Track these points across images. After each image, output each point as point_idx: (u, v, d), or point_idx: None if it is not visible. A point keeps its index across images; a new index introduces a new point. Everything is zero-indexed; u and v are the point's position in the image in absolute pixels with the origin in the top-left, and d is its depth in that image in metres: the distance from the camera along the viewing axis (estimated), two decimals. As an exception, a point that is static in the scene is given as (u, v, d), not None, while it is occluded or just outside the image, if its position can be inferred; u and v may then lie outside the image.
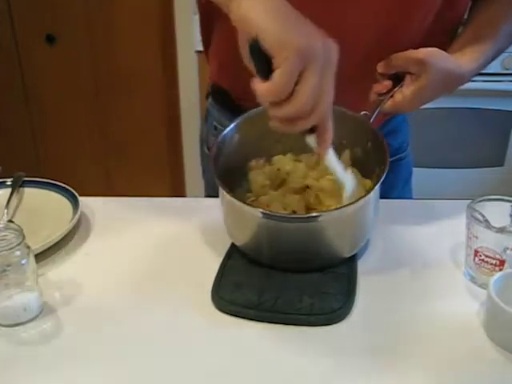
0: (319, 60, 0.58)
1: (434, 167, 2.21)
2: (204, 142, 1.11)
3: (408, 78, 0.80)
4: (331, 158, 0.71)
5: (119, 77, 2.21)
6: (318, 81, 0.58)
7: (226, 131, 0.82)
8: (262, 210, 0.72)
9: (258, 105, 0.83)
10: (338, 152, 0.82)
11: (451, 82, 0.82)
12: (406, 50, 0.80)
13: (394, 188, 1.05)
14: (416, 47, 0.79)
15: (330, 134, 0.65)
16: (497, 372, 0.63)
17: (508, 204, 0.76)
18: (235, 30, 0.63)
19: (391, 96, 0.81)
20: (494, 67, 1.98)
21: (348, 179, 0.74)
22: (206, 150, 1.09)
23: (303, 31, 0.59)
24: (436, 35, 0.86)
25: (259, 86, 0.59)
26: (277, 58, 0.57)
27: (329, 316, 0.68)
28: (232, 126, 0.82)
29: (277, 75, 0.57)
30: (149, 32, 2.13)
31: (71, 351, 0.65)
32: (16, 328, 0.68)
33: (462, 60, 0.82)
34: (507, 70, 2.03)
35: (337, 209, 0.73)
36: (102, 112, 2.29)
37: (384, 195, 0.79)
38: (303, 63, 0.57)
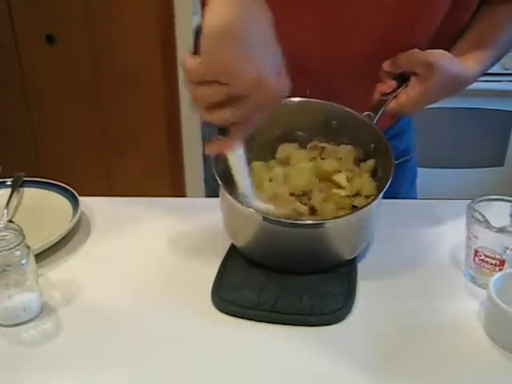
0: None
1: (434, 167, 2.21)
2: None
3: (413, 79, 0.80)
4: (237, 161, 0.69)
5: (119, 77, 2.21)
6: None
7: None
8: (262, 214, 0.71)
9: None
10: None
11: (456, 85, 0.82)
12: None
13: (400, 190, 1.04)
14: (422, 49, 0.79)
15: (238, 137, 0.65)
16: (497, 372, 0.63)
17: (508, 204, 0.76)
18: None
19: (395, 96, 0.81)
20: (493, 67, 1.98)
21: (246, 189, 0.72)
22: None
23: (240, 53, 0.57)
24: (445, 37, 0.86)
25: (188, 60, 0.58)
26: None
27: (329, 316, 0.68)
28: None
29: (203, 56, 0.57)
30: (149, 32, 2.13)
31: (71, 351, 0.65)
32: (16, 328, 0.68)
33: (465, 63, 0.83)
34: (507, 70, 2.03)
35: (341, 217, 0.72)
36: (102, 112, 2.29)
37: (390, 197, 0.78)
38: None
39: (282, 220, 0.71)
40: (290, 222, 0.71)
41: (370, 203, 0.72)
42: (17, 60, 2.21)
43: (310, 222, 0.73)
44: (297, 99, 0.82)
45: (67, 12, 2.12)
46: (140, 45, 2.16)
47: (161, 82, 2.23)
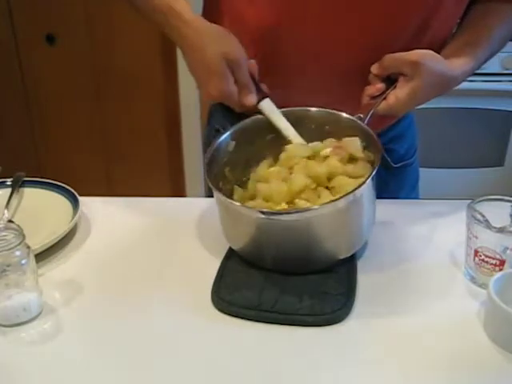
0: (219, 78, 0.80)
1: (434, 167, 2.21)
2: (206, 145, 1.10)
3: (401, 80, 0.81)
4: (270, 109, 0.83)
5: (119, 77, 2.21)
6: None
7: (221, 138, 0.82)
8: (257, 209, 0.71)
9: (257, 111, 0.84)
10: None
11: (444, 84, 0.83)
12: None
13: (400, 193, 1.04)
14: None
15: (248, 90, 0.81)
16: (497, 372, 0.63)
17: (508, 204, 0.76)
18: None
19: (384, 98, 0.82)
20: (493, 67, 1.98)
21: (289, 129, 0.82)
22: None
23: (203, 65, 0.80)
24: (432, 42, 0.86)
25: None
26: None
27: (329, 316, 0.68)
28: (227, 133, 0.83)
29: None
30: (149, 32, 2.13)
31: (71, 351, 0.65)
32: (16, 328, 0.68)
33: (455, 62, 0.83)
34: (507, 69, 2.02)
35: (328, 203, 0.72)
36: (102, 112, 2.29)
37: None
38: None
39: (276, 212, 0.71)
40: (283, 212, 0.72)
41: (357, 188, 0.70)
42: (17, 60, 2.21)
43: (300, 209, 0.72)
44: (290, 109, 0.83)
45: (67, 12, 2.12)
46: (140, 45, 2.16)
47: (161, 82, 2.23)
